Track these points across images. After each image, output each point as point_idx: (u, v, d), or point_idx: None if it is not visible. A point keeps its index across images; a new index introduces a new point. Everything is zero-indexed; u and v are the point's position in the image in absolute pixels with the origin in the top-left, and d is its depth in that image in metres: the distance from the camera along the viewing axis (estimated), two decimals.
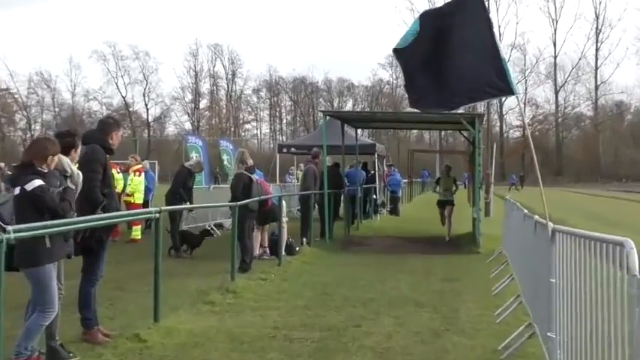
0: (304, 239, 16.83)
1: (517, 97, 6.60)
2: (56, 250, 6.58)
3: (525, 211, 9.62)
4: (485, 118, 20.27)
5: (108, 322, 8.17)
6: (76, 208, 7.04)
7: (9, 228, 5.59)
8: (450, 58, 6.14)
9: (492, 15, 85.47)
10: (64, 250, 6.90)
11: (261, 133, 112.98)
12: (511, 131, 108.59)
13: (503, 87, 6.01)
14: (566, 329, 5.16)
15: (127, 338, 7.60)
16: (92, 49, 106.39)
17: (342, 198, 21.63)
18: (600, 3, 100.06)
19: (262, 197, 13.65)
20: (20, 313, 6.89)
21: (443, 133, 76.51)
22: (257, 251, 14.44)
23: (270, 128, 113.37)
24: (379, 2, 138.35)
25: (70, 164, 7.12)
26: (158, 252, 8.69)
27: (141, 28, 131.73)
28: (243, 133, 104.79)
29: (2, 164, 41.74)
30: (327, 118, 21.89)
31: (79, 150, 7.48)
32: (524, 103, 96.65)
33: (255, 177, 14.04)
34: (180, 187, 15.76)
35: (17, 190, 6.64)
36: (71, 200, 6.88)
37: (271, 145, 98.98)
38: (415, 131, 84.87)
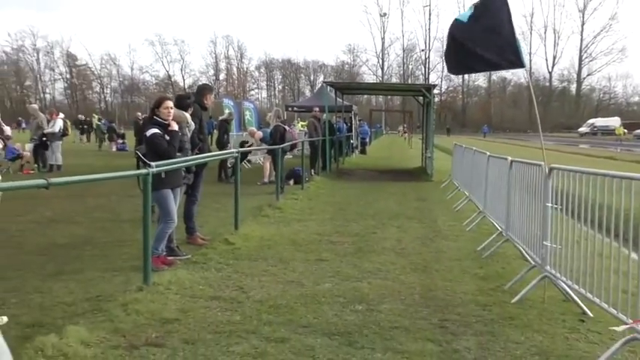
0: (313, 171, 16.49)
1: (525, 69, 6.12)
2: (169, 180, 6.18)
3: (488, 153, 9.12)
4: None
5: (200, 231, 7.79)
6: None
7: (153, 164, 5.25)
8: (482, 36, 5.60)
9: None
10: (178, 181, 6.51)
11: (261, 97, 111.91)
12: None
13: (517, 60, 5.56)
14: (557, 239, 4.90)
15: (219, 242, 7.28)
16: (144, 37, 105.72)
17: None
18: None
19: (293, 141, 13.14)
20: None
21: (388, 97, 75.54)
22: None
23: (268, 94, 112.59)
24: (345, 4, 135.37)
25: (189, 117, 6.70)
26: (237, 180, 8.32)
27: (179, 21, 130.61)
28: (249, 97, 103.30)
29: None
30: (328, 87, 21.26)
31: (192, 108, 7.03)
32: (442, 78, 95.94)
33: (286, 127, 13.63)
34: (225, 135, 15.14)
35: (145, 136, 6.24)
36: (179, 144, 6.47)
37: (268, 105, 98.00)
38: (366, 96, 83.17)
